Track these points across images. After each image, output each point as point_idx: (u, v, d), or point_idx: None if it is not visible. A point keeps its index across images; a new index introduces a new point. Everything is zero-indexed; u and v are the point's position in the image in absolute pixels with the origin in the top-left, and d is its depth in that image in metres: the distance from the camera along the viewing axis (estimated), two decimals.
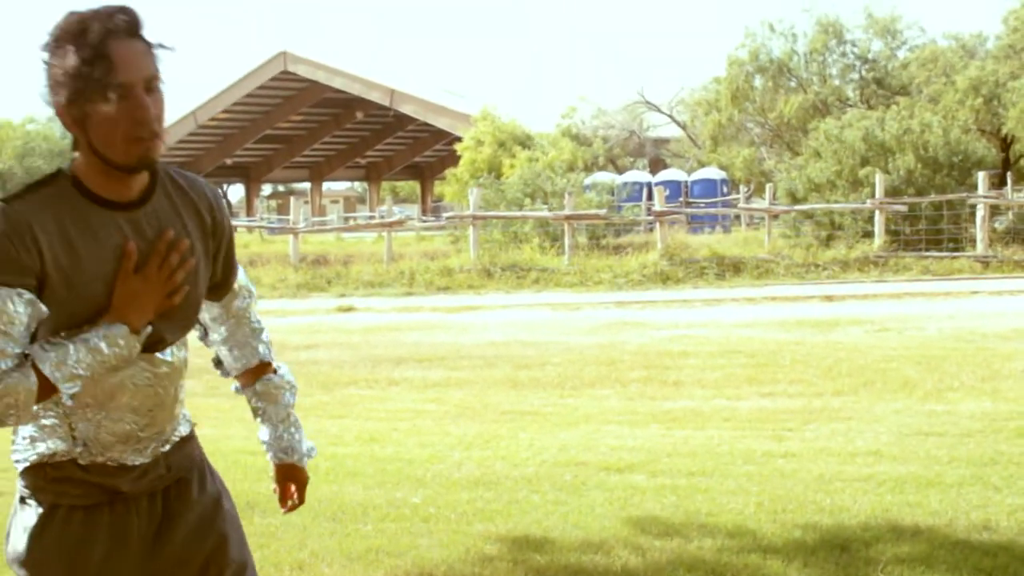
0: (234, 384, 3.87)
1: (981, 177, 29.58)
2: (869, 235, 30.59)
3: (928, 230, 30.72)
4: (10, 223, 3.06)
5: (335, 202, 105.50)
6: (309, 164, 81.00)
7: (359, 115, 71.11)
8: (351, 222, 65.88)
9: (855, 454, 9.65)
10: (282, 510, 3.89)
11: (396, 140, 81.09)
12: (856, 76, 58.49)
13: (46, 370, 3.06)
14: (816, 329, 17.82)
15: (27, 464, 3.33)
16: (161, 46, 3.15)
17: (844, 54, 58.24)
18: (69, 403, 3.19)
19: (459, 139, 54.51)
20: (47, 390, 3.08)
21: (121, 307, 3.16)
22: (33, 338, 3.10)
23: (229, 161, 74.61)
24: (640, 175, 55.01)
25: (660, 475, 9.11)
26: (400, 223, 38.85)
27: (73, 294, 3.11)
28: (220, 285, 3.60)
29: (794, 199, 34.73)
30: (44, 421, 3.28)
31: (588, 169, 50.43)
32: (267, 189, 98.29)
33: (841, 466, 9.21)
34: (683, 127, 69.28)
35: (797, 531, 7.38)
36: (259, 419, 3.82)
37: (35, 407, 3.12)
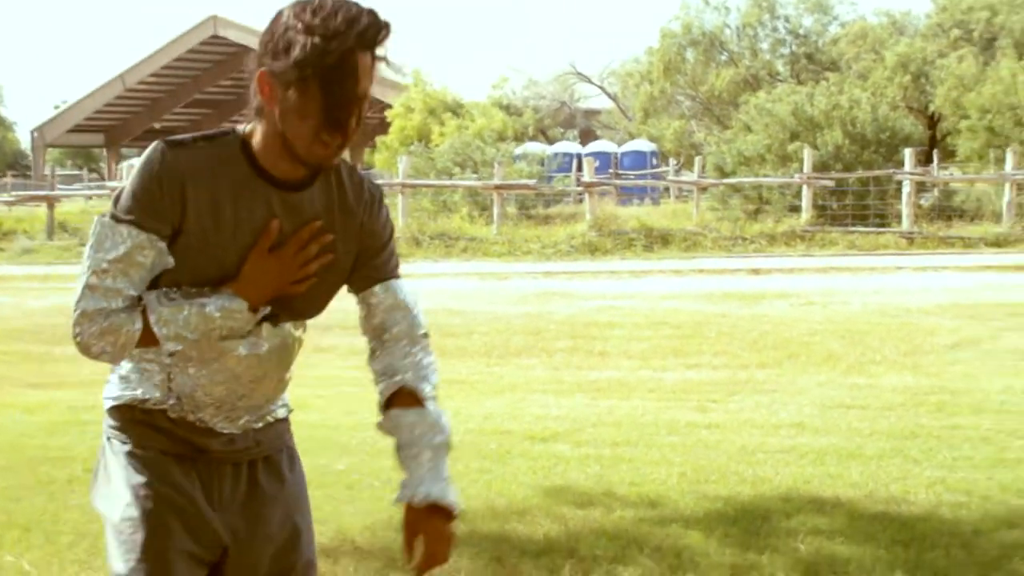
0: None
1: (908, 154, 29.81)
2: (796, 209, 30.80)
3: (855, 205, 30.95)
4: (165, 169, 3.00)
5: None
6: None
7: None
8: None
9: (778, 426, 9.72)
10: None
11: None
12: (787, 51, 58.92)
13: (153, 323, 3.02)
14: (742, 302, 17.92)
15: (116, 403, 3.26)
16: (387, 63, 3.04)
17: (776, 29, 58.64)
18: (168, 357, 3.14)
19: (389, 106, 54.32)
20: (149, 339, 3.04)
21: (246, 281, 3.08)
22: (155, 283, 3.06)
23: (157, 125, 73.99)
24: (570, 146, 55.04)
25: (584, 445, 9.14)
26: None
27: (205, 256, 3.05)
28: (356, 281, 3.33)
29: (722, 173, 34.90)
30: (144, 365, 3.20)
31: (518, 139, 50.42)
32: None
33: (764, 438, 9.28)
34: (614, 99, 69.46)
35: (719, 502, 7.43)
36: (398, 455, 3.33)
37: (133, 351, 3.11)
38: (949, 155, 46.64)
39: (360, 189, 3.27)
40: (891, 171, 30.76)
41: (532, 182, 34.20)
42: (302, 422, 10.06)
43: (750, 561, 6.27)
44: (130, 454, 3.22)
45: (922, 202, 31.77)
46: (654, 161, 52.48)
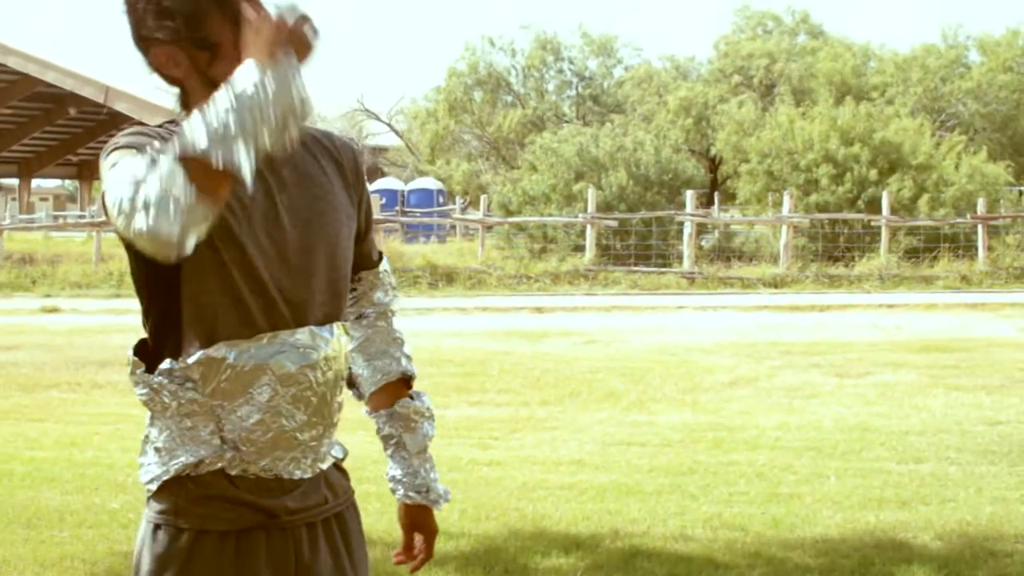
0: (365, 407, 3.22)
1: (689, 196, 30.38)
2: (580, 249, 31.10)
3: (638, 245, 31.39)
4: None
5: (45, 200, 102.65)
6: (18, 159, 78.55)
7: (72, 111, 69.37)
8: (61, 221, 64.21)
9: (559, 463, 9.78)
10: (401, 562, 3.25)
11: (109, 138, 79.29)
12: (573, 93, 59.63)
13: (185, 137, 2.37)
14: (525, 340, 18.03)
15: (164, 481, 2.77)
16: None
17: (561, 71, 59.33)
18: (203, 391, 2.68)
19: None
20: (197, 170, 2.34)
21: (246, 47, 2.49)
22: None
23: None
24: None
25: (365, 482, 9.05)
26: (110, 223, 38.01)
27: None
28: (360, 243, 3.07)
29: (508, 211, 35.14)
30: (185, 423, 2.73)
31: None
32: None
33: (545, 475, 9.33)
34: (402, 136, 69.60)
35: (499, 538, 7.44)
36: (390, 450, 3.19)
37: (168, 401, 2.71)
38: (730, 197, 47.67)
39: (332, 137, 2.97)
40: (673, 212, 31.32)
41: None
42: (76, 460, 9.89)
43: None
44: (187, 553, 2.76)
45: (703, 243, 32.37)
46: (441, 199, 52.64)
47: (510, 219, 33.93)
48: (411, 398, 3.19)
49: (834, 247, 31.33)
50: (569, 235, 32.42)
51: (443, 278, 29.06)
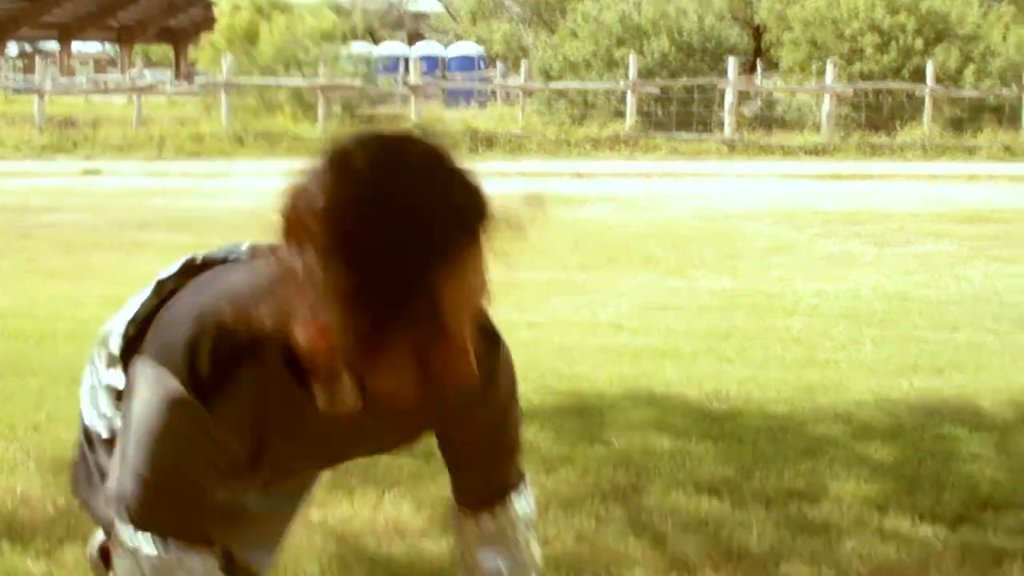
0: None
1: (731, 63, 30.14)
2: (621, 115, 30.96)
3: (679, 112, 31.23)
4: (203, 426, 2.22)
5: (85, 64, 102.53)
6: (58, 24, 78.42)
7: None
8: (101, 85, 64.14)
9: (597, 326, 9.82)
10: None
11: (150, 2, 79.00)
12: None
13: None
14: (565, 205, 17.98)
15: None
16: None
17: None
18: None
19: (215, 3, 53.21)
20: None
21: None
22: None
23: None
24: (397, 47, 54.64)
25: None
26: (151, 87, 38.03)
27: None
28: (461, 492, 2.57)
29: (549, 77, 34.93)
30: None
31: (345, 40, 49.91)
32: (13, 48, 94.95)
33: (583, 337, 9.36)
34: (442, 1, 69.05)
35: (536, 397, 7.50)
36: None
37: None
38: (773, 66, 47.14)
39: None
40: (715, 79, 31.09)
41: (357, 83, 33.90)
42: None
43: (563, 452, 6.34)
44: None
45: (745, 111, 32.17)
46: (481, 64, 52.36)
47: (551, 85, 33.75)
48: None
49: (877, 116, 31.09)
50: (610, 101, 32.25)
51: (483, 143, 29.00)
